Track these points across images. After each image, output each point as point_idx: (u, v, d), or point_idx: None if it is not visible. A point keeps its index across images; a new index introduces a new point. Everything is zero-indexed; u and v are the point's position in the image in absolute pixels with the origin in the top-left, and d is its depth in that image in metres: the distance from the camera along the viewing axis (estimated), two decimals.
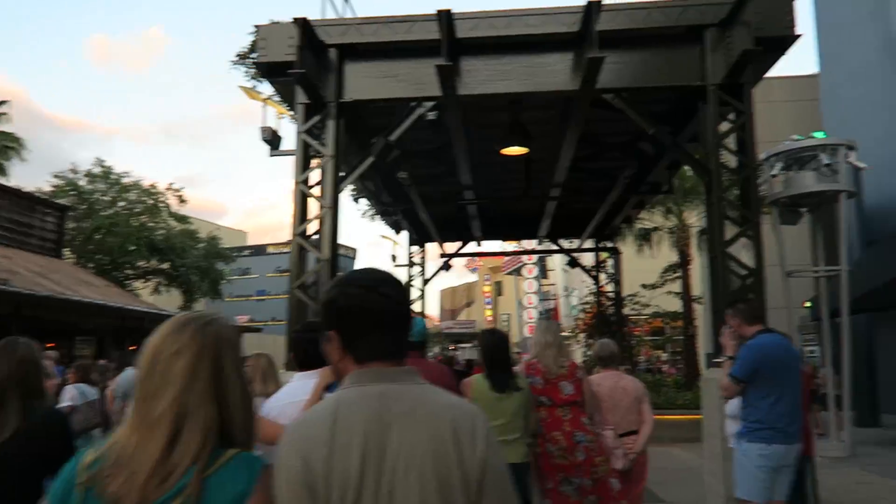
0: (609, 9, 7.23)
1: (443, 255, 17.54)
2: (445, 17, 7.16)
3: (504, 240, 19.26)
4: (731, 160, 7.69)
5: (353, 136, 9.15)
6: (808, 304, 15.37)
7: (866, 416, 14.98)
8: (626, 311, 18.15)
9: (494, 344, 4.10)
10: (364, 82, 7.98)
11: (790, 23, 7.12)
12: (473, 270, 63.51)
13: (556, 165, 10.25)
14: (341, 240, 7.94)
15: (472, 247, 17.14)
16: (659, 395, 14.62)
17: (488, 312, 54.78)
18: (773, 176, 11.11)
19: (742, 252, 7.49)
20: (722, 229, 7.15)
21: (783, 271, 11.18)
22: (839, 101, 19.11)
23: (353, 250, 53.53)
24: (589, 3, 7.01)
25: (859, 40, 17.78)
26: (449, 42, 7.28)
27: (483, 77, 7.71)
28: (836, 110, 19.21)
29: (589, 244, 16.85)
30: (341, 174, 8.31)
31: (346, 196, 16.32)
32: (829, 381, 11.66)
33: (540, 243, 17.98)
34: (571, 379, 4.20)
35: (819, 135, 10.70)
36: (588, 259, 19.21)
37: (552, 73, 7.72)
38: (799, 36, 7.04)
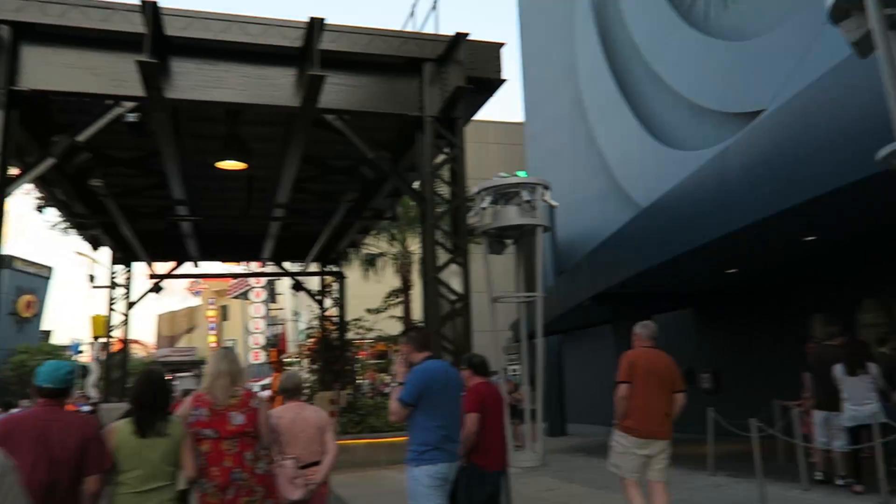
0: (332, 29, 7.14)
1: (153, 276, 15.90)
2: (151, 9, 6.42)
3: (224, 261, 18.12)
4: (445, 191, 8.07)
5: (33, 132, 7.77)
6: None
7: (556, 427, 16.90)
8: (350, 335, 18.23)
9: (146, 384, 3.74)
10: (48, 70, 6.81)
11: (497, 67, 7.75)
12: (197, 294, 59.37)
13: (279, 185, 9.87)
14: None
15: (188, 267, 15.83)
16: (379, 418, 14.83)
17: (212, 338, 51.43)
18: (483, 209, 12.03)
19: (452, 278, 7.85)
20: (434, 256, 7.42)
21: (490, 297, 12.11)
22: (539, 146, 21.72)
23: (48, 269, 46.40)
24: (311, 19, 6.85)
25: (556, 95, 20.44)
26: (155, 38, 6.54)
27: (195, 81, 7.08)
28: (537, 154, 21.79)
29: (314, 268, 16.64)
30: (14, 172, 6.96)
31: (28, 204, 13.93)
32: (526, 396, 12.84)
33: (264, 265, 17.28)
34: (244, 409, 3.98)
35: (521, 174, 11.87)
36: (314, 283, 18.99)
37: (274, 86, 7.38)
38: (504, 80, 7.69)
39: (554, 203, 12.18)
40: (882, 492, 6.37)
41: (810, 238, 9.59)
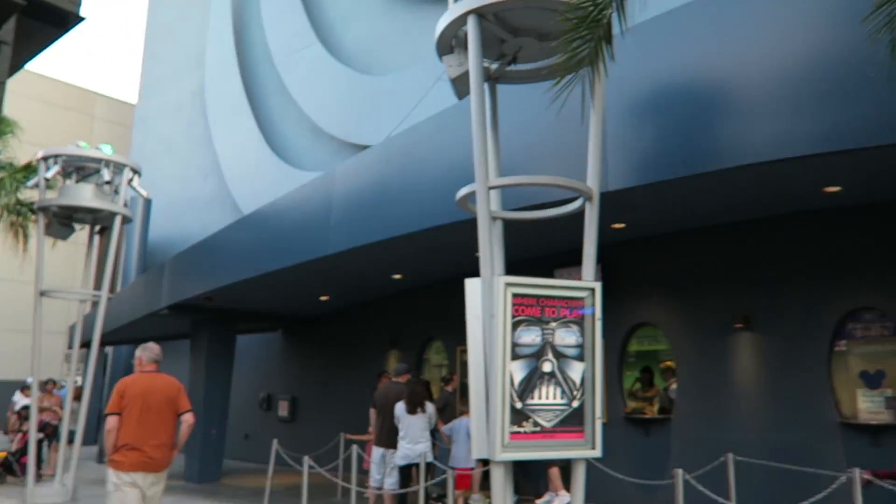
0: None
1: None
2: None
3: None
4: None
5: None
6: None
7: None
8: None
9: None
10: None
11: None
12: None
13: None
14: None
15: None
16: None
17: None
18: (48, 179, 9.72)
19: None
20: None
21: (38, 289, 9.73)
22: (151, 132, 19.29)
23: None
24: None
25: (178, 80, 18.46)
26: None
27: None
28: (147, 140, 19.31)
29: None
30: None
31: None
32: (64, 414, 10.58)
33: None
34: None
35: (106, 148, 9.92)
36: None
37: None
38: (83, 18, 6.07)
39: (144, 192, 10.49)
40: None
41: (397, 276, 9.87)
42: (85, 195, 9.78)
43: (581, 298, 4.36)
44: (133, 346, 15.68)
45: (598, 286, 4.40)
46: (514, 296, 4.21)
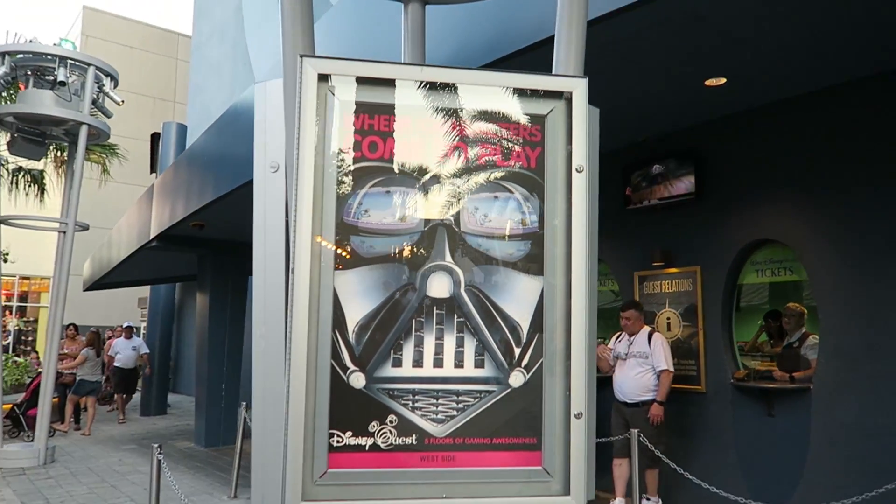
0: None
1: None
2: None
3: None
4: None
5: None
6: None
7: (155, 403, 13.36)
8: None
9: None
10: None
11: None
12: None
13: None
14: None
15: None
16: None
17: None
18: (3, 84, 8.09)
19: None
20: None
21: None
22: (204, 59, 17.81)
23: None
24: None
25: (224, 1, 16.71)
26: None
27: None
28: (201, 68, 17.88)
29: None
30: None
31: None
32: None
33: None
34: None
35: (67, 44, 8.11)
36: None
37: None
38: None
39: (118, 99, 8.64)
40: None
41: None
42: (44, 101, 8.07)
43: (538, 120, 1.78)
44: (170, 284, 14.37)
45: (581, 87, 1.77)
46: (359, 110, 1.70)
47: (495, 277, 1.70)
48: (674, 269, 5.89)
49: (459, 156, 1.73)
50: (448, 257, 1.69)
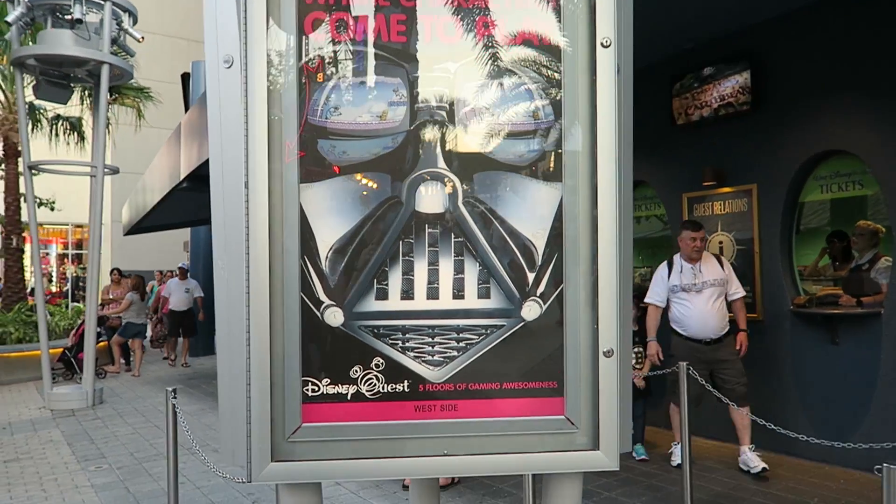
0: None
1: None
2: None
3: None
4: None
5: None
6: None
7: (208, 342, 13.52)
8: None
9: None
10: None
11: None
12: None
13: None
14: None
15: None
16: None
17: None
18: (24, 25, 7.90)
19: None
20: None
21: (25, 162, 8.17)
22: None
23: None
24: None
25: None
26: None
27: None
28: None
29: None
30: None
31: None
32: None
33: None
34: None
35: None
36: None
37: None
38: None
39: (139, 36, 8.35)
40: None
41: None
42: (63, 41, 7.84)
43: None
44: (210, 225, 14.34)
45: None
46: None
47: (501, 186, 1.37)
48: (727, 189, 5.40)
49: (453, 33, 1.36)
50: (441, 162, 1.35)
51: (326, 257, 1.33)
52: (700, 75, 5.46)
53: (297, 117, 1.33)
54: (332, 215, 1.33)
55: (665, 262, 4.77)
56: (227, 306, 1.38)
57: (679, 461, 4.23)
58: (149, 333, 12.87)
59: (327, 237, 1.33)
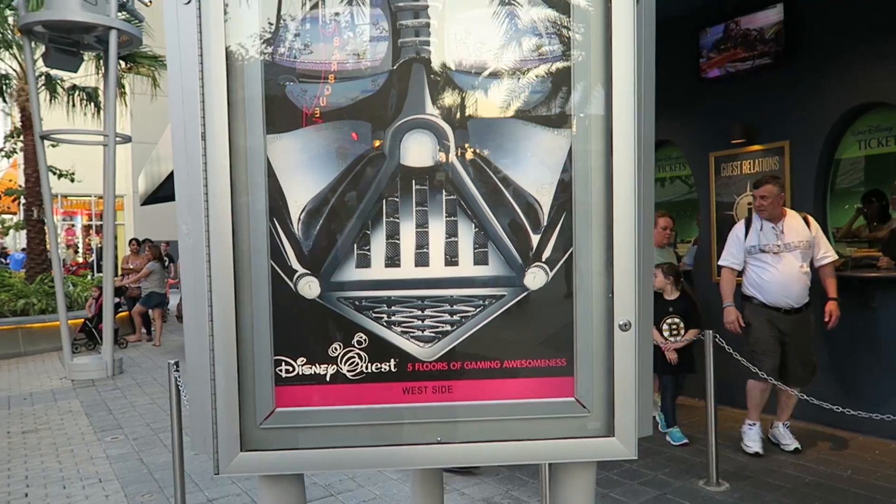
0: None
1: None
2: None
3: None
4: None
5: None
6: None
7: None
8: None
9: None
10: None
11: None
12: None
13: None
14: None
15: None
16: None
17: None
18: None
19: None
20: None
21: (37, 133, 8.09)
22: None
23: None
24: None
25: None
26: None
27: None
28: None
29: None
30: None
31: None
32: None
33: None
34: None
35: None
36: None
37: None
38: None
39: (147, 0, 8.17)
40: None
41: None
42: (69, 6, 7.68)
43: None
44: None
45: None
46: None
47: (500, 134, 1.17)
48: (757, 147, 5.11)
49: None
50: (429, 108, 1.16)
51: (299, 219, 1.16)
52: (728, 27, 5.13)
53: (260, 57, 1.14)
54: (304, 171, 1.15)
55: (742, 220, 4.32)
56: (193, 276, 1.22)
57: (755, 448, 3.93)
58: (175, 303, 12.94)
59: (299, 196, 1.16)
